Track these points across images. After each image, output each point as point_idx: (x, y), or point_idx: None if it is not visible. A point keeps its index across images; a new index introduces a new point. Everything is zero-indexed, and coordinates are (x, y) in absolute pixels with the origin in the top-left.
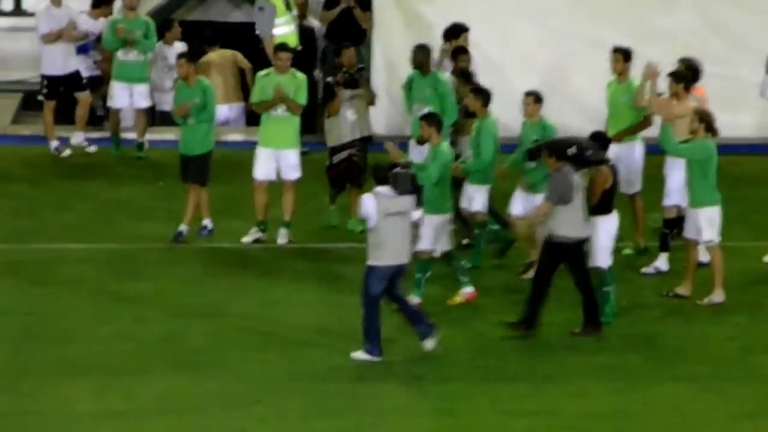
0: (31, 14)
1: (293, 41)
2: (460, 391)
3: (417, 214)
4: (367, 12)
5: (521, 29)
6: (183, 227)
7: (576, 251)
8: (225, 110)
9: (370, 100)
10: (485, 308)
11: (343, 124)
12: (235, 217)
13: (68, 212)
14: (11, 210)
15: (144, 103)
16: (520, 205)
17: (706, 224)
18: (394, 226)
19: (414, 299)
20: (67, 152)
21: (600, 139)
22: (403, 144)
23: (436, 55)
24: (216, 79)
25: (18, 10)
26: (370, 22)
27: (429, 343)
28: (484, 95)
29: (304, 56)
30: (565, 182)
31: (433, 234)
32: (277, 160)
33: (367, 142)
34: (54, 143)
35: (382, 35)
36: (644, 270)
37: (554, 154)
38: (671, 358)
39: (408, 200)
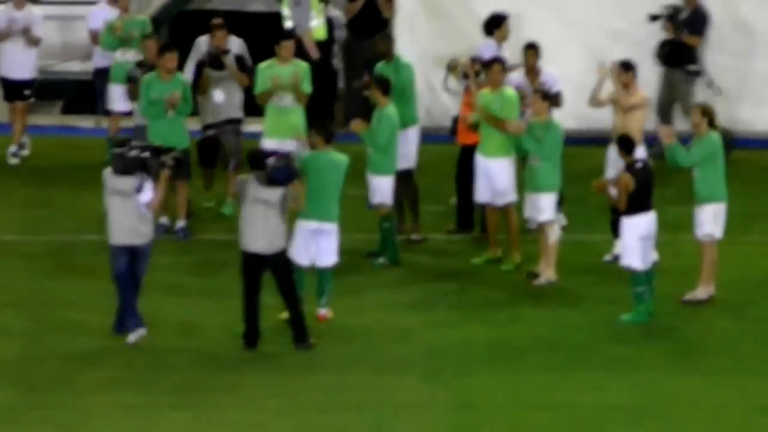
0: (51, 2)
1: (322, 33)
2: (478, 384)
3: (145, 196)
4: (389, 1)
5: (543, 21)
6: (182, 222)
7: (252, 264)
8: None
9: (242, 82)
10: (503, 301)
11: (209, 105)
12: None
13: (81, 203)
14: (24, 201)
15: None
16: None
17: (710, 218)
18: (115, 206)
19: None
20: (14, 160)
21: (625, 142)
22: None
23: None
24: None
25: None
26: (392, 11)
27: (132, 337)
28: (383, 84)
29: (323, 47)
30: (241, 187)
31: (303, 242)
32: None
33: (237, 124)
34: (12, 148)
35: (405, 26)
36: (606, 258)
37: (250, 164)
38: (688, 351)
39: (128, 181)
